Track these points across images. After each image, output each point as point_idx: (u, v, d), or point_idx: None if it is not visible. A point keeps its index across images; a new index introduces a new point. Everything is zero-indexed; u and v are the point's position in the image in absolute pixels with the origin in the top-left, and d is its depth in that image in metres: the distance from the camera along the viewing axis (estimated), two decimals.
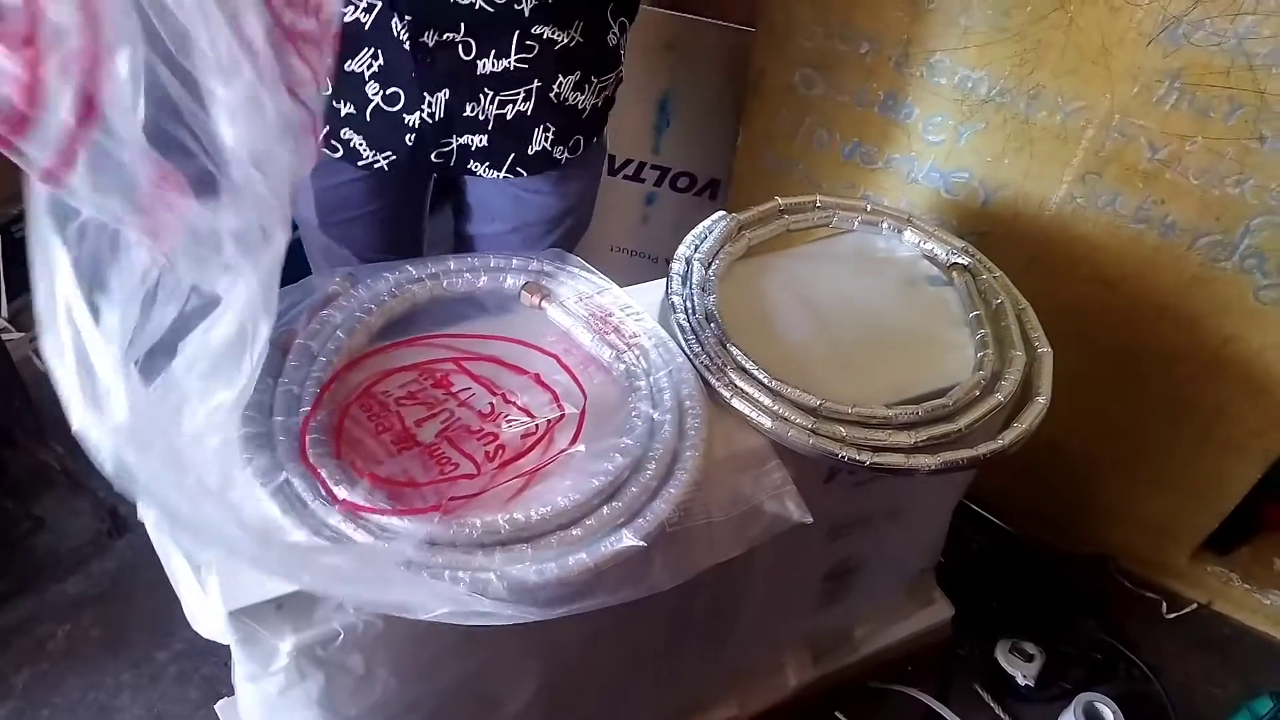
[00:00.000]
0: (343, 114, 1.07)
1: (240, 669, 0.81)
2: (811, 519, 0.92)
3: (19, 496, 1.62)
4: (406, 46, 1.00)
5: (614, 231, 1.91)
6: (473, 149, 1.10)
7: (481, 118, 1.08)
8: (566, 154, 1.16)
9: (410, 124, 1.06)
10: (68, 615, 1.51)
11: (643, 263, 1.93)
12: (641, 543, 0.84)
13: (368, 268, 1.03)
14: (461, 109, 1.06)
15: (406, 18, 0.98)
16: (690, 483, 0.90)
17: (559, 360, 1.01)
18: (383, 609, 0.78)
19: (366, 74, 1.03)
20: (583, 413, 0.96)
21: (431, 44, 1.00)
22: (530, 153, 1.13)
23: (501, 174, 1.13)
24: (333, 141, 1.10)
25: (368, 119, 1.07)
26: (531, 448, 0.92)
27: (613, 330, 1.03)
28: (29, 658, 1.46)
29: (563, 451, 0.91)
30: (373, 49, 1.01)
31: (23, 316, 1.99)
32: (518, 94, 1.07)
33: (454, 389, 0.96)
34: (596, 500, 0.87)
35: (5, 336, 1.82)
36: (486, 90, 1.06)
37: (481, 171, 1.13)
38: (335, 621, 0.78)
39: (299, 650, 0.77)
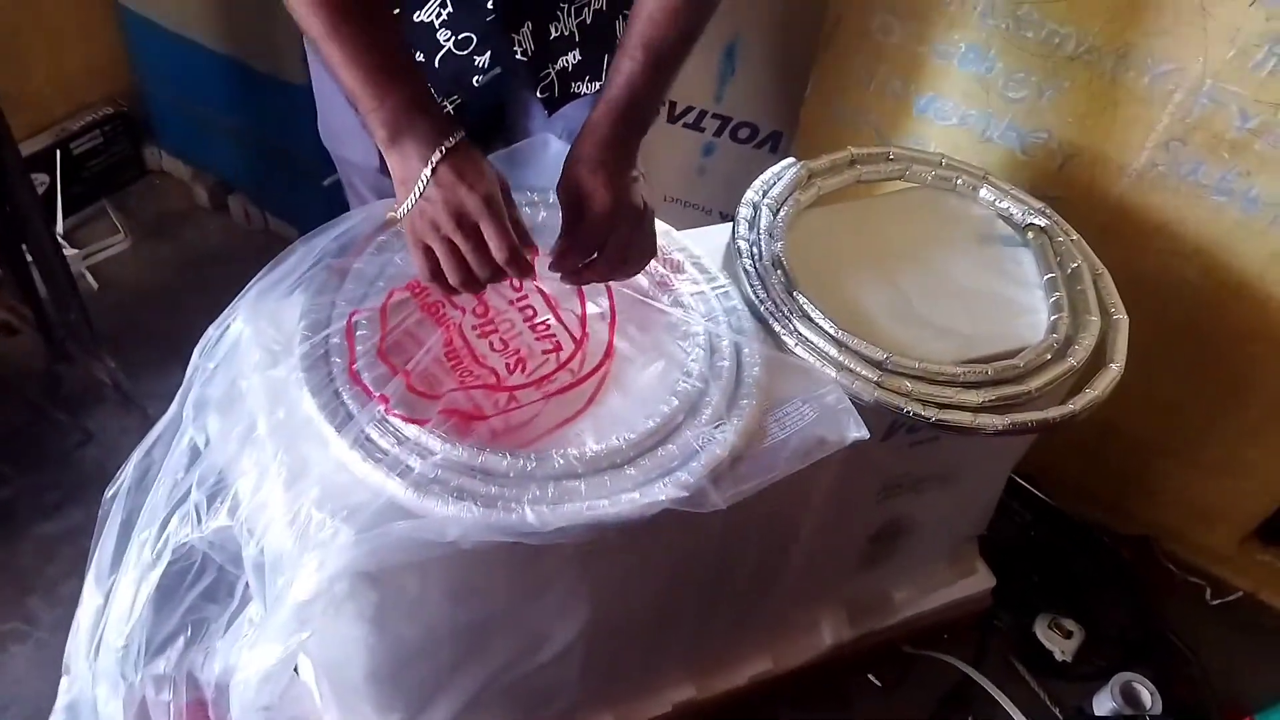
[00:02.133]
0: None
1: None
2: (869, 434, 0.90)
3: (71, 409, 1.64)
4: None
5: (669, 181, 1.88)
6: (570, 70, 1.08)
7: (567, 33, 1.05)
8: None
9: (480, 65, 1.04)
10: None
11: (696, 214, 1.89)
12: (688, 488, 0.82)
13: None
14: (547, 34, 1.04)
15: None
16: (745, 430, 0.88)
17: (611, 298, 0.98)
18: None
19: (436, 22, 1.01)
20: (614, 352, 0.95)
21: None
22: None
23: (601, 82, 1.09)
24: None
25: (436, 65, 1.04)
26: (564, 380, 0.91)
27: (673, 271, 1.01)
28: (76, 567, 1.48)
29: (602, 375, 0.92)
30: None
31: (79, 233, 2.00)
32: None
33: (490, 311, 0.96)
34: (650, 441, 0.86)
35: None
36: (562, 5, 1.03)
37: (584, 89, 1.10)
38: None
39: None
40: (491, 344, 0.92)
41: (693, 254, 1.04)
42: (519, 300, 0.97)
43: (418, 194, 0.81)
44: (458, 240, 0.81)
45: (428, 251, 0.83)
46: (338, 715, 1.05)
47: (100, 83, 2.04)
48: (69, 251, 1.89)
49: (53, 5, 1.84)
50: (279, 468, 0.81)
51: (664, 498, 0.81)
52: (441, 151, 0.81)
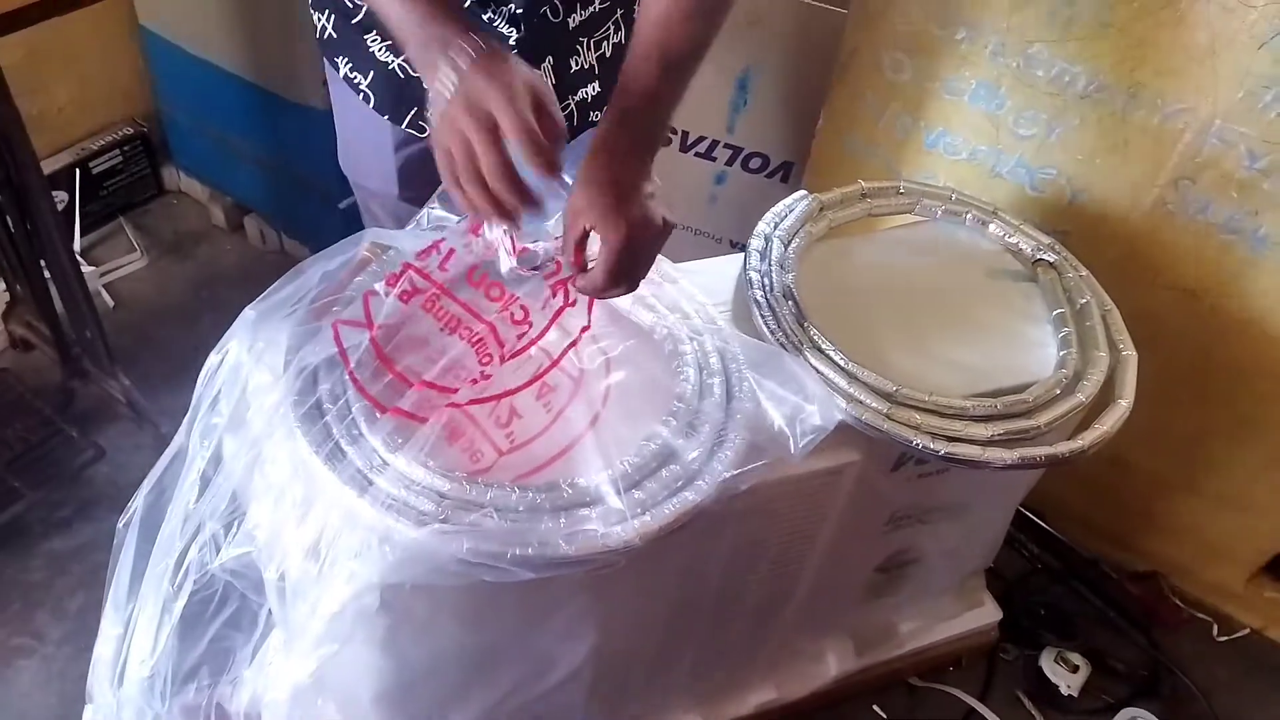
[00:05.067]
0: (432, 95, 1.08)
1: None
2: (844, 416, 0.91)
3: (84, 426, 1.65)
4: (505, 29, 1.00)
5: (680, 209, 1.88)
6: (589, 100, 1.11)
7: (586, 66, 1.08)
8: None
9: None
10: None
11: (707, 242, 1.91)
12: (696, 507, 0.83)
13: (397, 233, 0.99)
14: (567, 68, 1.07)
15: (510, 7, 0.98)
16: (744, 440, 0.88)
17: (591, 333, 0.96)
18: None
19: None
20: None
21: (535, 19, 1.01)
22: None
23: None
24: (419, 123, 1.10)
25: None
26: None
27: (652, 291, 1.01)
28: (84, 583, 1.50)
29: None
30: None
31: (96, 250, 2.03)
32: (608, 29, 1.08)
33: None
34: (654, 464, 0.86)
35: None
36: (581, 39, 1.06)
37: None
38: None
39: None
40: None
41: (664, 271, 1.02)
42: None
43: (446, 97, 0.78)
44: (470, 134, 0.76)
45: (448, 154, 0.79)
46: None
47: (121, 103, 2.07)
48: (86, 269, 1.91)
49: (76, 27, 1.87)
50: (292, 494, 0.81)
51: (672, 519, 0.81)
52: (471, 56, 0.77)
